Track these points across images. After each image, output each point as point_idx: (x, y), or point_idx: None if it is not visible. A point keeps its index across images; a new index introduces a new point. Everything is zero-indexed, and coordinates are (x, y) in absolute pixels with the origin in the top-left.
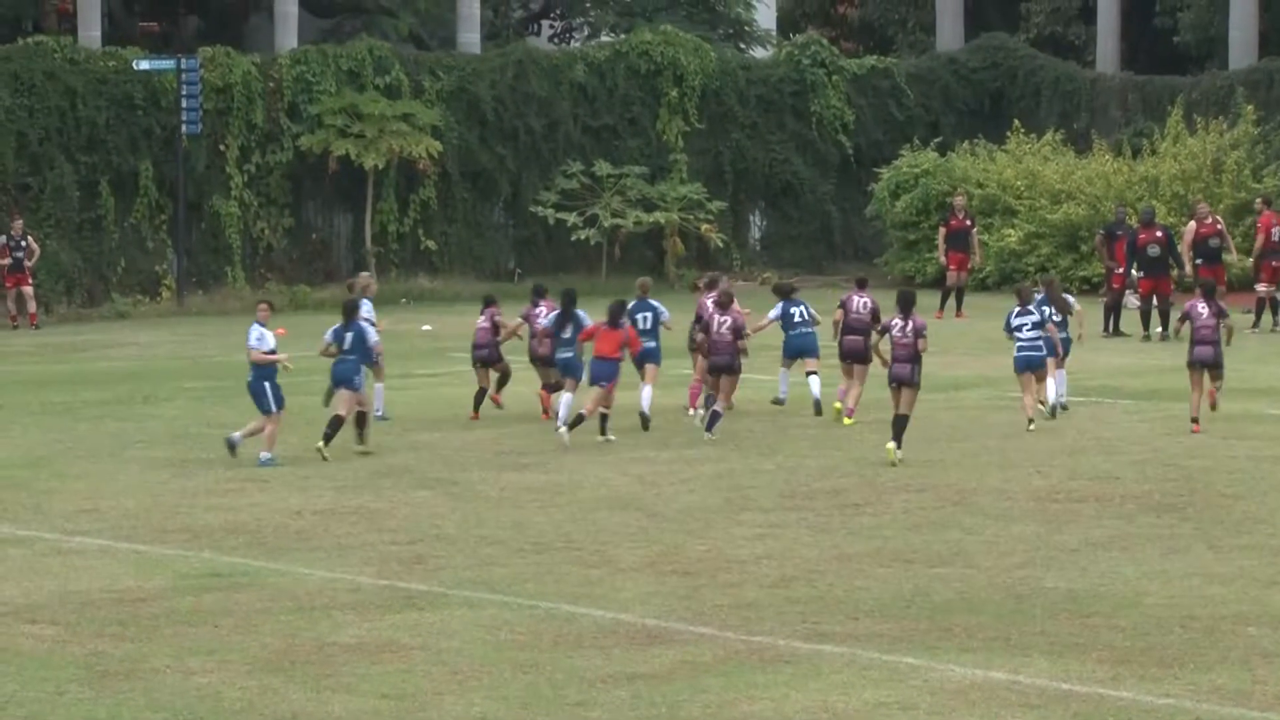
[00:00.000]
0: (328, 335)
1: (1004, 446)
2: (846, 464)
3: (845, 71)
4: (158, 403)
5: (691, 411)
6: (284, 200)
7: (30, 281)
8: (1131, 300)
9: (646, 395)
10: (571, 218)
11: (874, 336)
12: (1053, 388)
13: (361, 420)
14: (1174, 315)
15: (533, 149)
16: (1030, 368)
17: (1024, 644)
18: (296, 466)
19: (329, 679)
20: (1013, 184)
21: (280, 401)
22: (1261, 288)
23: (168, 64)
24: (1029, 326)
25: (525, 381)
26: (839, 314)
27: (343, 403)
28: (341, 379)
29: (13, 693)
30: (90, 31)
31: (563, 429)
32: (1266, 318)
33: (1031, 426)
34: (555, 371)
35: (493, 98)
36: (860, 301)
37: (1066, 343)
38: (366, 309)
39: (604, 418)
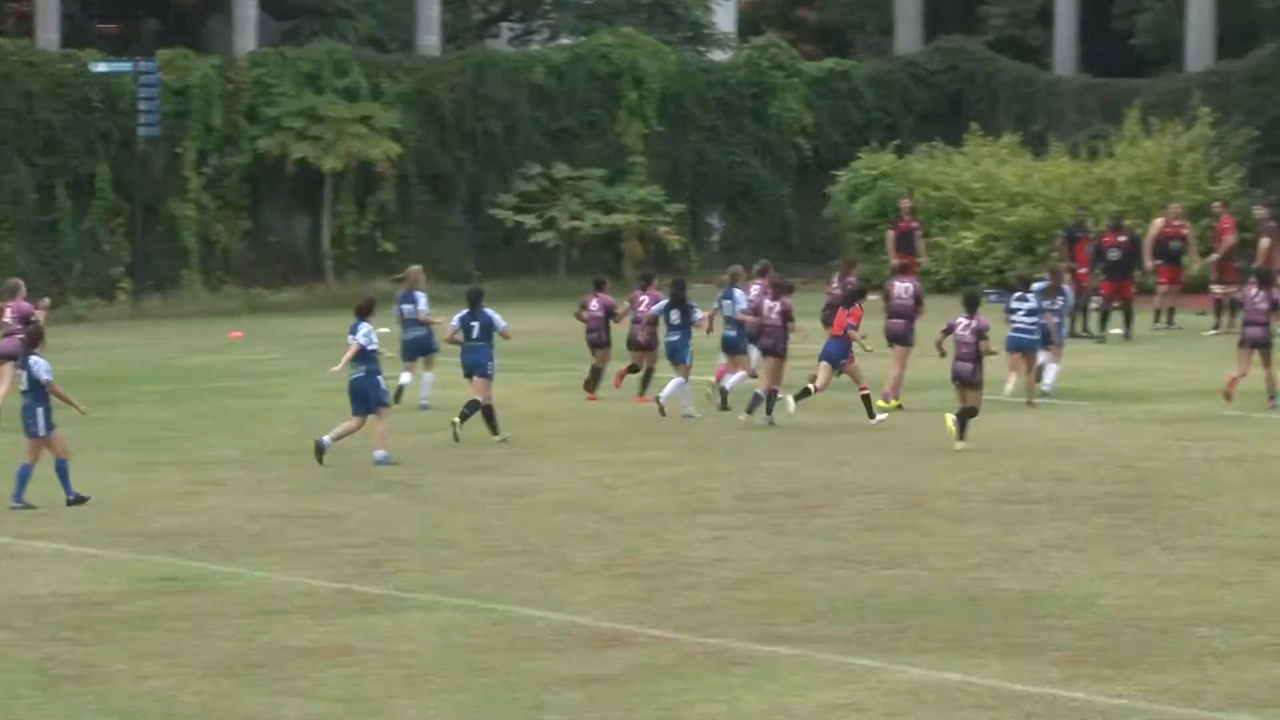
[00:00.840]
0: (454, 322)
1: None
2: (803, 466)
3: (804, 74)
4: (115, 405)
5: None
6: (242, 203)
7: None
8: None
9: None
10: (530, 220)
11: (939, 335)
12: (1049, 374)
13: (489, 411)
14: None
15: (491, 151)
16: (1020, 349)
17: (978, 645)
18: (252, 470)
19: (284, 683)
20: (970, 186)
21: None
22: (1219, 289)
23: (125, 66)
24: (1025, 311)
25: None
26: (884, 298)
27: (479, 389)
28: (473, 366)
29: None
30: (48, 34)
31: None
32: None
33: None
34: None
35: (452, 100)
36: (902, 287)
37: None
38: (421, 301)
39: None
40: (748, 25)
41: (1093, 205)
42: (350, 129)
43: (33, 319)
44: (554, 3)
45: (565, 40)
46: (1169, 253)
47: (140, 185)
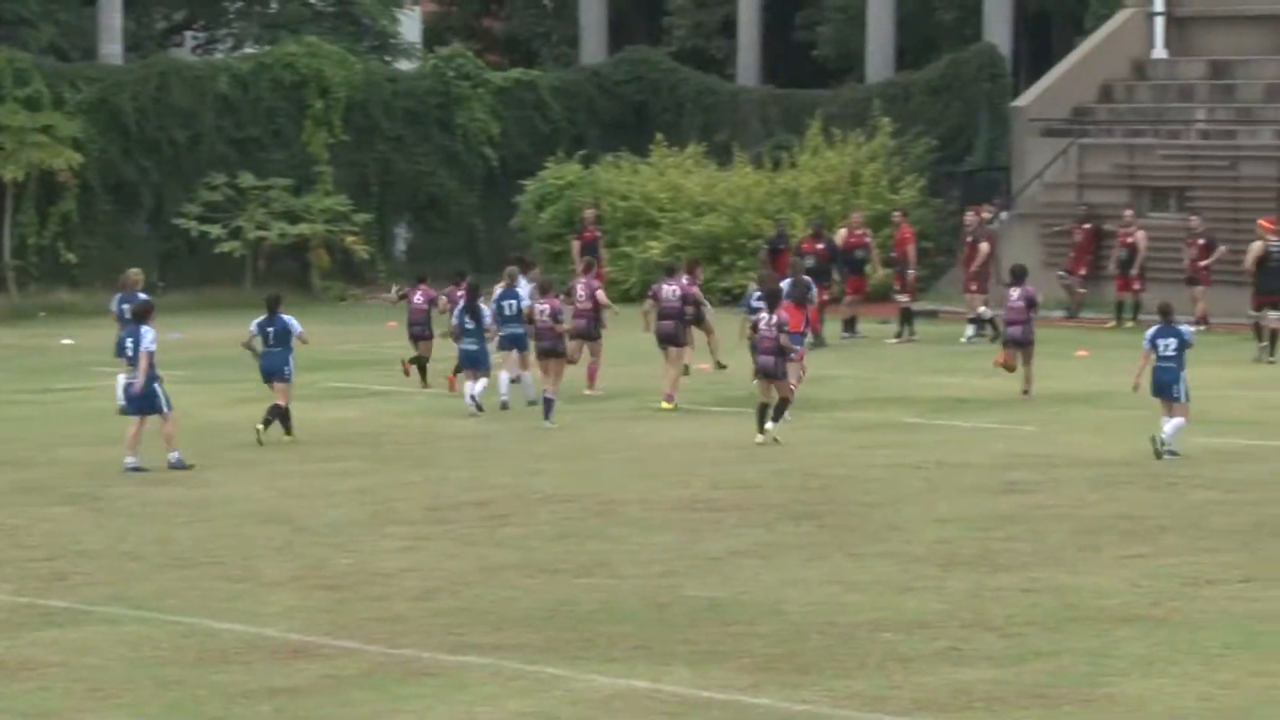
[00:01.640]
0: (252, 327)
1: (648, 457)
2: (492, 476)
3: (490, 84)
4: None
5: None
6: None
7: None
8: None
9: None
10: (215, 230)
11: (745, 329)
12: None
13: (285, 413)
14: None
15: (176, 161)
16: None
17: (666, 652)
18: None
19: None
20: (656, 196)
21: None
22: (903, 298)
23: None
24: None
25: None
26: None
27: (279, 393)
28: (271, 371)
29: None
30: None
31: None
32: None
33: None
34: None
35: (135, 109)
36: (670, 289)
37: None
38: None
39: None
40: (433, 35)
41: (776, 215)
42: (31, 138)
43: None
44: (238, 12)
45: (250, 49)
46: (853, 261)
47: None
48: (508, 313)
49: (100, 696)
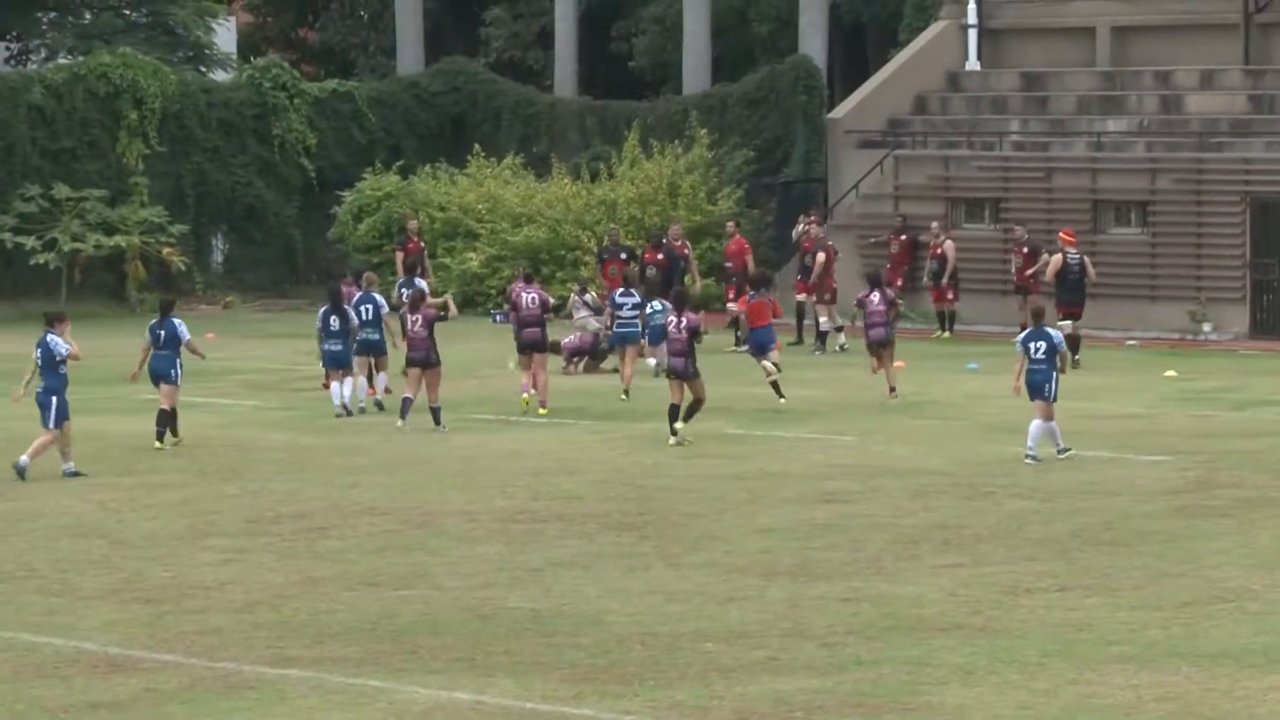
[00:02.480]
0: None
1: (468, 469)
2: (311, 488)
3: (307, 95)
4: None
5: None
6: None
7: None
8: None
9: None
10: (30, 242)
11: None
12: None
13: (172, 415)
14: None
15: None
16: (625, 342)
17: (488, 664)
18: None
19: None
20: (474, 207)
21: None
22: (733, 306)
23: None
24: (629, 306)
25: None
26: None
27: (166, 396)
28: (159, 374)
29: None
30: None
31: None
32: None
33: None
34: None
35: None
36: (529, 297)
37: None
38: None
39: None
40: (249, 46)
41: (595, 226)
42: None
43: None
44: (51, 22)
45: (63, 60)
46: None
47: None
48: (364, 318)
49: None
